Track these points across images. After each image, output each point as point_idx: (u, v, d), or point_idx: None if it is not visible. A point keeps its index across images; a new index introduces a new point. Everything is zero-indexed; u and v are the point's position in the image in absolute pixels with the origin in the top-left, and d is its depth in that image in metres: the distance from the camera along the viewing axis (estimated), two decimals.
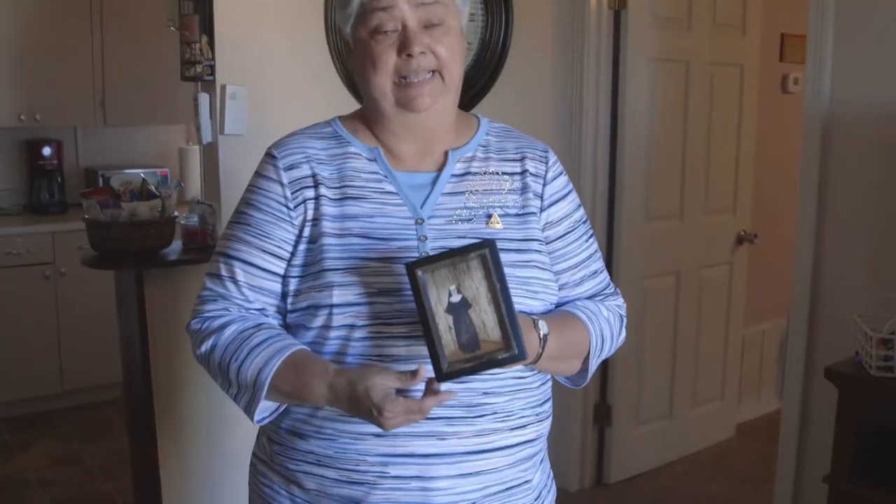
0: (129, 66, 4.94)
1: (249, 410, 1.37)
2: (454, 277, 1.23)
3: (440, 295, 1.23)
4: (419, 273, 1.23)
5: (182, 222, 2.92)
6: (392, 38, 1.38)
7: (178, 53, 2.81)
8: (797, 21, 4.06)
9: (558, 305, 1.49)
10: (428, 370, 1.24)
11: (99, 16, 4.86)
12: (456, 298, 1.23)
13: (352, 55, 1.45)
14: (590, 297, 1.53)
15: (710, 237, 3.99)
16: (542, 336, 1.34)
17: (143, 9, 4.86)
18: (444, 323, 1.22)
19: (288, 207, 1.40)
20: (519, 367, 1.33)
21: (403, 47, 1.37)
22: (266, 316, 1.42)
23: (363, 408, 1.26)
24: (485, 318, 1.23)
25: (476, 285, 1.23)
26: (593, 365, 1.49)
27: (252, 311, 1.41)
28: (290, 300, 1.39)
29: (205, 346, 1.40)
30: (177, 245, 2.92)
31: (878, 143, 2.73)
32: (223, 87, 2.77)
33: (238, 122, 2.79)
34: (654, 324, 3.87)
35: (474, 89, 3.29)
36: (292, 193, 1.40)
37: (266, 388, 1.33)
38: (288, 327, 1.41)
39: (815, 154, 2.87)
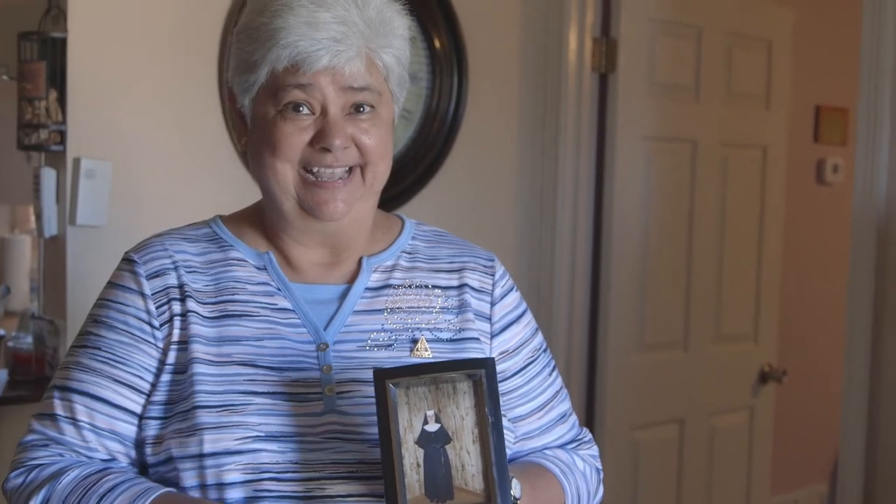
0: None
1: None
2: (434, 401, 1.21)
3: (412, 419, 1.21)
4: (390, 386, 1.20)
5: (9, 344, 2.81)
6: (306, 122, 1.36)
7: (13, 112, 2.73)
8: (838, 90, 4.18)
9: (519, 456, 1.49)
10: None
11: None
12: (432, 427, 1.21)
13: (247, 133, 1.43)
14: (560, 447, 1.53)
15: (724, 374, 3.83)
16: (513, 497, 1.30)
17: None
18: (411, 457, 1.19)
19: (152, 325, 1.39)
20: None
21: (320, 137, 1.35)
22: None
23: None
24: (465, 460, 1.20)
25: (462, 415, 1.21)
26: None
27: (96, 461, 1.38)
28: (148, 450, 1.35)
29: (34, 501, 1.34)
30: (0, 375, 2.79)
31: None
32: (76, 161, 2.70)
33: (96, 209, 2.70)
34: (648, 490, 3.64)
35: (414, 175, 3.21)
36: (157, 308, 1.39)
37: None
38: None
39: (868, 265, 2.79)
